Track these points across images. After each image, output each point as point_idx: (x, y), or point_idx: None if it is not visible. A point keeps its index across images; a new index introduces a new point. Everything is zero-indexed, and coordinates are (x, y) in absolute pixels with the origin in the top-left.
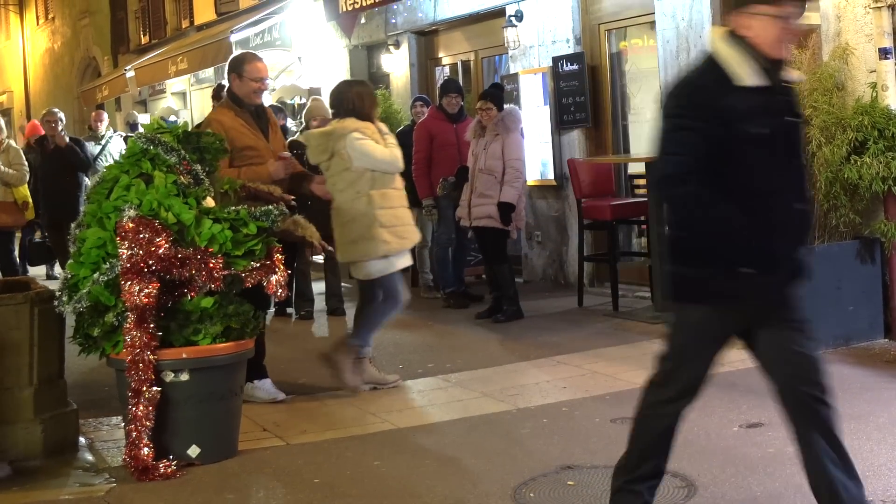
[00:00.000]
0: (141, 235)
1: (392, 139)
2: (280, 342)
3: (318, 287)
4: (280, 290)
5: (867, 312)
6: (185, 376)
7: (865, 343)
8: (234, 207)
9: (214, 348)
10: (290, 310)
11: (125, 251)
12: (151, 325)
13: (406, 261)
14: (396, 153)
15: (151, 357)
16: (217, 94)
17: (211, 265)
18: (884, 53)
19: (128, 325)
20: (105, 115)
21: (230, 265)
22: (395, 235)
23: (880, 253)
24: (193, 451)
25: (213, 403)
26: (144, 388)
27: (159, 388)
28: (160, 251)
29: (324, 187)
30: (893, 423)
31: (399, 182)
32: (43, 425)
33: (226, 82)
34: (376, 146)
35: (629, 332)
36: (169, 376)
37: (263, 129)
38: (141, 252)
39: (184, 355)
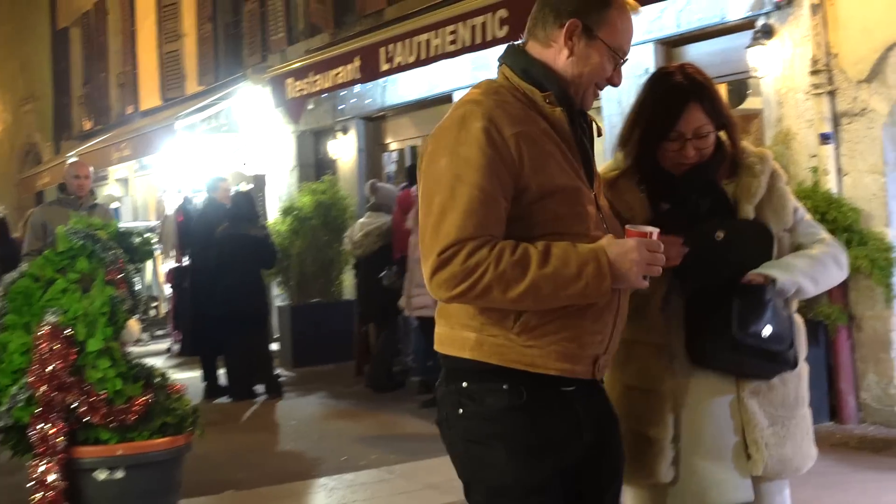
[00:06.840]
0: (54, 345)
1: None
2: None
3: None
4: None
5: (812, 396)
6: (119, 474)
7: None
8: (135, 360)
9: (151, 444)
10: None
11: (37, 357)
12: (60, 430)
13: None
14: None
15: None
16: None
17: (92, 399)
18: (824, 138)
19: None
20: None
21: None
22: None
23: (824, 336)
24: None
25: (148, 501)
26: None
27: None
28: (56, 367)
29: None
30: None
31: None
32: None
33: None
34: None
35: None
36: (103, 474)
37: (586, 147)
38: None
39: (119, 452)
